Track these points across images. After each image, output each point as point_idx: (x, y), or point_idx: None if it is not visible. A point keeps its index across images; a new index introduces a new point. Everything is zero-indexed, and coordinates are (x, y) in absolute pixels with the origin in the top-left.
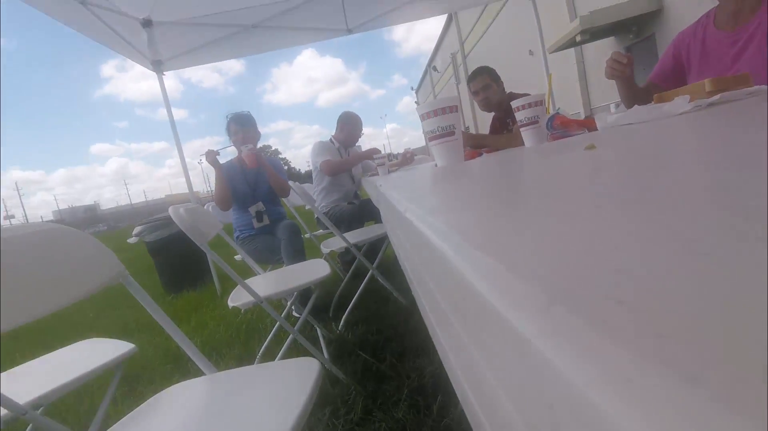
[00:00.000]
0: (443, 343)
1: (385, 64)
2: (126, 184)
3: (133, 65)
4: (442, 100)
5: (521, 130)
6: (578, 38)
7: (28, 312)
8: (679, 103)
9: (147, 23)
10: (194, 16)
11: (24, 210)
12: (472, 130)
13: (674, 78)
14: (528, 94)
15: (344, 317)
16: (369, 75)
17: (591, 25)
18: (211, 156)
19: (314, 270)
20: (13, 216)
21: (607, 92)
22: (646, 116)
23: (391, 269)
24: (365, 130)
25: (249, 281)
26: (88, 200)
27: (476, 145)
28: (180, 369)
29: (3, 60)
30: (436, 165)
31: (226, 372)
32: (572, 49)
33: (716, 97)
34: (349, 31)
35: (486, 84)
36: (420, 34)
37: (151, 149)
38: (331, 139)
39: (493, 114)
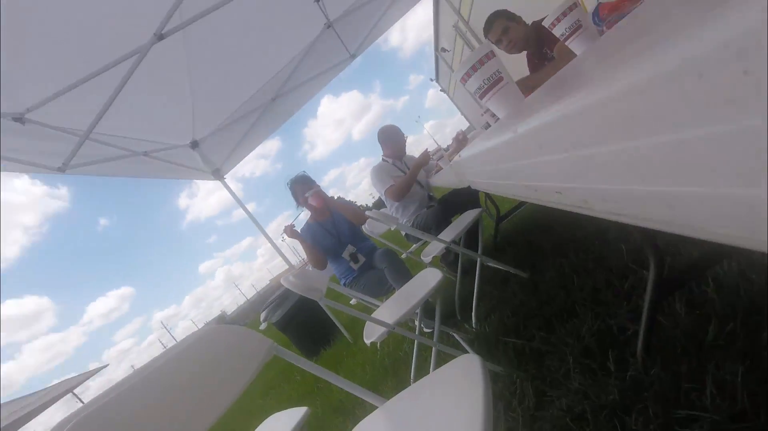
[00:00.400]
0: None
1: (396, 71)
2: (236, 286)
3: (198, 187)
4: (474, 53)
5: (568, 44)
6: None
7: (214, 410)
8: None
9: (194, 144)
10: (225, 119)
11: (176, 341)
12: None
13: None
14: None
15: (473, 314)
16: (386, 89)
17: None
18: (289, 230)
19: (427, 280)
20: None
21: None
22: None
23: (499, 249)
24: (409, 139)
25: (373, 315)
26: (215, 312)
27: (526, 89)
28: (349, 416)
29: (110, 236)
30: (487, 126)
31: (397, 397)
32: None
33: None
34: (353, 56)
35: (505, 27)
36: (414, 27)
37: (241, 248)
38: (383, 159)
39: (525, 54)
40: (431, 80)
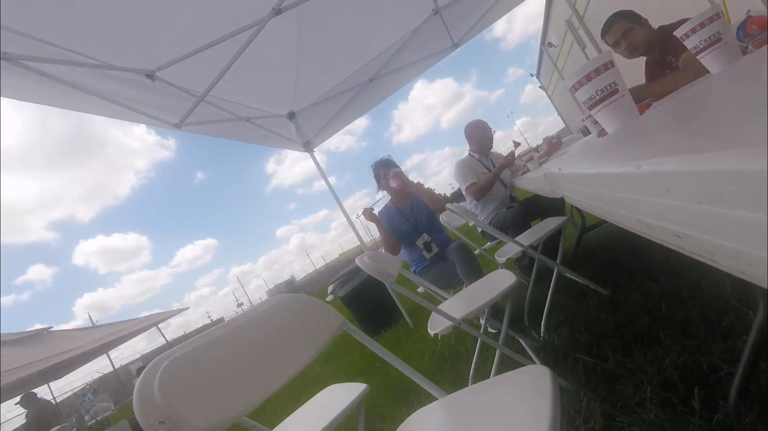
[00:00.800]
0: None
1: (495, 62)
2: (308, 254)
3: (286, 156)
4: (592, 61)
5: (700, 57)
6: None
7: (287, 371)
8: None
9: (291, 115)
10: (324, 92)
11: (248, 296)
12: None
13: None
14: (687, 19)
15: (543, 322)
16: (482, 80)
17: None
18: (368, 213)
19: (500, 282)
20: (242, 304)
21: None
22: None
23: (579, 261)
24: (495, 134)
25: (440, 307)
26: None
27: (639, 98)
28: (403, 401)
29: (204, 189)
30: (586, 131)
31: (459, 392)
32: None
33: None
34: (456, 45)
35: (626, 29)
36: (522, 19)
37: (317, 219)
38: (469, 153)
39: (645, 60)
40: (531, 75)
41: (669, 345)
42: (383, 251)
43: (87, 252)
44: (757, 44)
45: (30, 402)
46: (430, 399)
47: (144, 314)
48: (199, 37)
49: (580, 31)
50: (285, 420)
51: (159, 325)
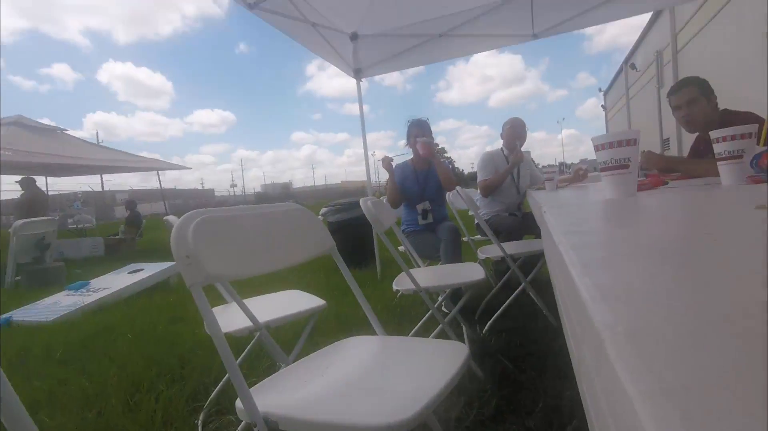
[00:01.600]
0: (579, 372)
1: (571, 60)
2: (313, 168)
3: (329, 66)
4: (619, 133)
5: (719, 163)
6: None
7: (279, 263)
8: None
9: (354, 37)
10: (393, 28)
11: (243, 181)
12: (674, 151)
13: None
14: (751, 113)
15: (490, 322)
16: (550, 73)
17: None
18: (387, 162)
19: (470, 272)
20: (236, 185)
21: None
22: None
23: (544, 287)
24: (537, 134)
25: (412, 272)
26: (284, 178)
27: (665, 169)
28: (346, 330)
29: (241, 63)
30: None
31: (394, 338)
32: None
33: None
34: (535, 36)
35: (692, 98)
36: (617, 25)
37: (335, 139)
38: (501, 148)
39: (696, 135)
40: (600, 90)
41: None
42: (385, 201)
43: (113, 73)
44: (751, 180)
45: (29, 185)
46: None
47: (144, 154)
48: None
49: (669, 66)
50: (253, 298)
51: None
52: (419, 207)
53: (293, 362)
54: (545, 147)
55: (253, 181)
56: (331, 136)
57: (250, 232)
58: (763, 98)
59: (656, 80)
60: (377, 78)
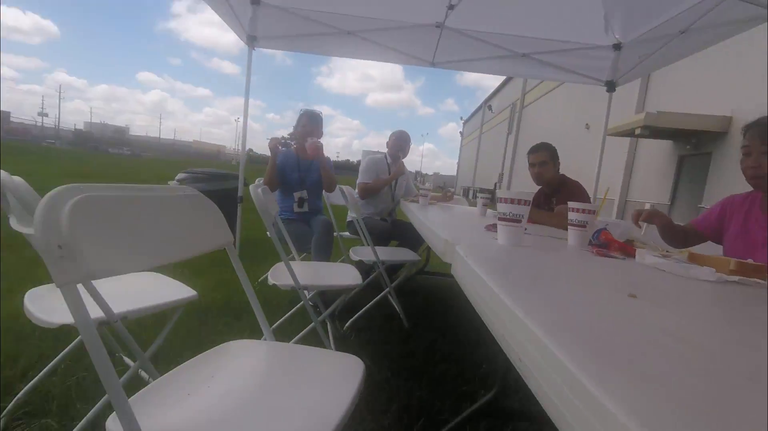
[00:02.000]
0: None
1: (443, 85)
2: (161, 118)
3: (203, 9)
4: (521, 193)
5: (570, 227)
6: (638, 131)
7: (174, 254)
8: (708, 272)
9: (255, 1)
10: (300, 7)
11: (59, 113)
12: (504, 184)
13: (713, 233)
14: (578, 183)
15: (351, 320)
16: (424, 91)
17: (653, 124)
18: (274, 143)
19: (346, 274)
20: (46, 115)
21: (647, 189)
22: (680, 271)
23: (403, 291)
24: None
25: (290, 264)
26: (119, 121)
27: None
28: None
29: None
30: (483, 212)
31: (282, 344)
32: (628, 139)
33: (735, 278)
34: (433, 65)
35: (544, 161)
36: None
37: (194, 93)
38: (385, 155)
39: (539, 189)
40: (461, 118)
41: (424, 383)
42: (261, 182)
43: None
44: (594, 248)
45: None
46: (247, 325)
47: None
48: None
49: (516, 118)
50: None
51: None
52: (296, 194)
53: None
54: (409, 155)
55: (74, 114)
56: (190, 89)
57: (139, 218)
58: (582, 154)
59: (507, 125)
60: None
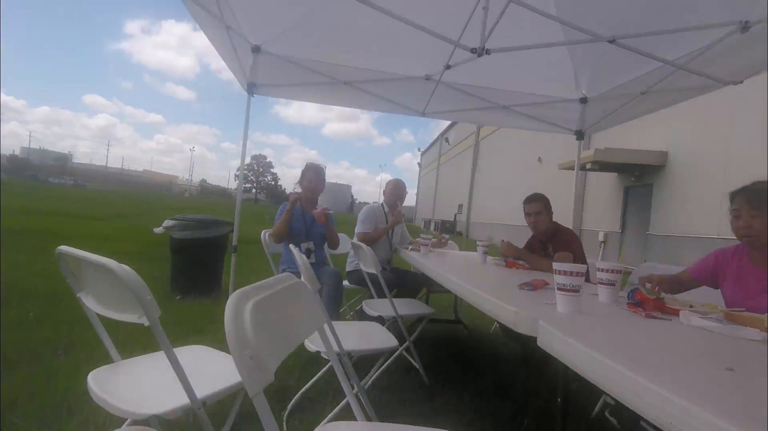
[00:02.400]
0: None
1: (398, 116)
2: (108, 145)
3: (159, 30)
4: (580, 266)
5: (600, 285)
6: (588, 165)
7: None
8: (753, 333)
9: (256, 49)
10: (298, 57)
11: None
12: (464, 213)
13: (710, 280)
14: (571, 230)
15: (373, 378)
16: (380, 122)
17: (602, 159)
18: (296, 197)
19: (384, 337)
20: None
21: (598, 219)
22: (728, 332)
23: (421, 346)
24: (359, 172)
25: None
26: (61, 147)
27: (517, 256)
28: None
29: None
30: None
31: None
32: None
33: None
34: (423, 114)
35: (539, 211)
36: None
37: (146, 119)
38: (381, 204)
39: (533, 235)
40: (418, 149)
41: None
42: (267, 236)
43: None
44: (636, 309)
45: None
46: None
47: None
48: None
49: (473, 149)
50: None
51: None
52: (304, 245)
53: None
54: (364, 185)
55: (9, 137)
56: (141, 114)
57: (279, 312)
58: (536, 186)
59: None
60: (214, 66)
